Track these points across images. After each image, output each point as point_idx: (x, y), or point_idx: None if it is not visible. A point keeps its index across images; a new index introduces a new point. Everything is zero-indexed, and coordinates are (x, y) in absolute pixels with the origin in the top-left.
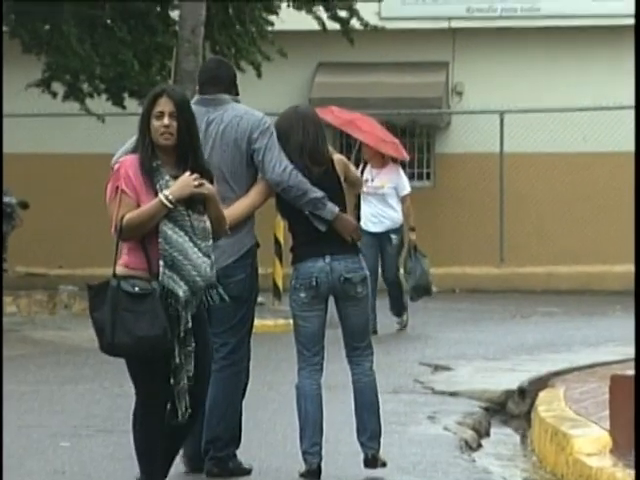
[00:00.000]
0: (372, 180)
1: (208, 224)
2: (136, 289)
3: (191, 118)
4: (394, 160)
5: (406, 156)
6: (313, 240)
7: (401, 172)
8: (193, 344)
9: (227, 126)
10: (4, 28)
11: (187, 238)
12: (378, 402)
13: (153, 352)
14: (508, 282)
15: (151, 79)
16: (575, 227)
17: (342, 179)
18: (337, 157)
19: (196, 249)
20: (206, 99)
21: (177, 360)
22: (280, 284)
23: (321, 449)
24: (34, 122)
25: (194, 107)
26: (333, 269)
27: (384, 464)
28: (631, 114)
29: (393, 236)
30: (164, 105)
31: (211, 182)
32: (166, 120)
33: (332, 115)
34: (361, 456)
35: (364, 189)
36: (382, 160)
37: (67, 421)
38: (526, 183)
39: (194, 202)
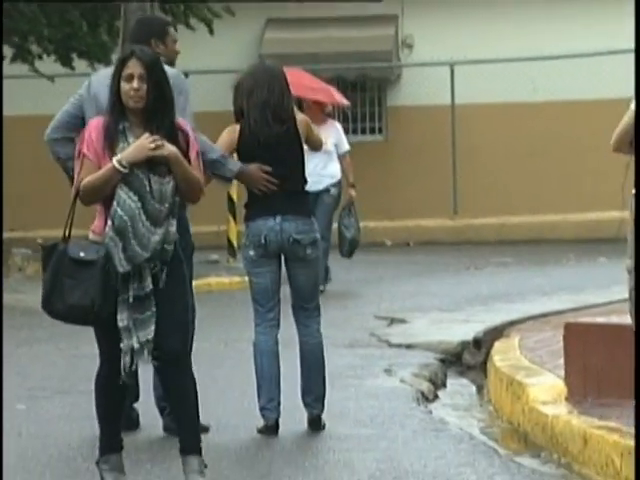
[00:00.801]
0: None
1: (170, 187)
2: (81, 254)
3: (162, 79)
4: (331, 116)
5: (343, 101)
6: (266, 199)
7: (340, 128)
8: (152, 309)
9: None
10: None
11: (140, 204)
12: (324, 364)
13: (84, 321)
14: (462, 234)
15: (99, 39)
16: (528, 177)
17: (303, 140)
18: (300, 117)
19: (144, 217)
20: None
21: (121, 324)
22: (234, 241)
23: (279, 405)
24: None
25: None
26: (283, 229)
27: (324, 426)
28: (581, 62)
29: (332, 189)
30: (133, 67)
31: (186, 143)
32: (135, 83)
33: None
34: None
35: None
36: (321, 116)
37: (23, 383)
38: (478, 134)
39: (155, 164)
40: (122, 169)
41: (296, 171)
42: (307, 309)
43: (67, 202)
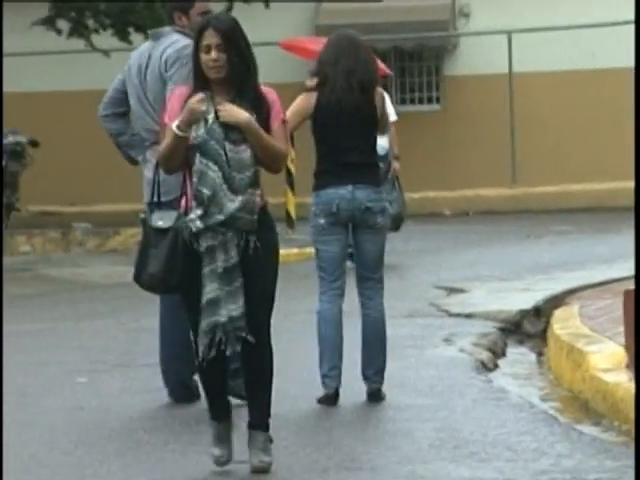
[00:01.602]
0: None
1: (246, 154)
2: (159, 223)
3: (242, 47)
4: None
5: (388, 71)
6: (338, 168)
7: (387, 98)
8: (240, 281)
9: (155, 59)
10: None
11: (220, 173)
12: (385, 337)
13: (158, 289)
14: (521, 202)
15: (155, 13)
16: (587, 145)
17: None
18: (379, 90)
19: (225, 186)
20: (151, 34)
21: (207, 297)
22: (293, 213)
23: (340, 374)
24: (41, 60)
25: (146, 42)
26: (355, 197)
27: (384, 398)
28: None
29: (380, 164)
30: (210, 38)
31: (267, 112)
32: (213, 54)
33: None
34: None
35: None
36: None
37: (84, 357)
38: (536, 103)
39: (230, 132)
40: (179, 132)
41: (370, 141)
42: (372, 279)
43: (126, 177)
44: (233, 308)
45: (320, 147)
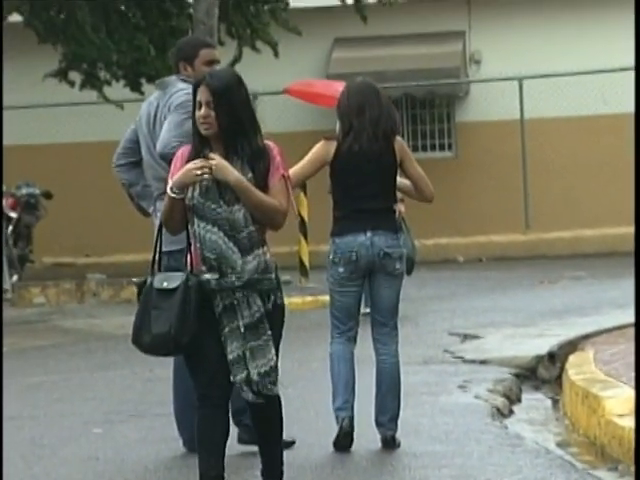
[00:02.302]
0: None
1: (239, 214)
2: (164, 284)
3: (233, 104)
4: None
5: None
6: (355, 214)
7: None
8: (268, 333)
9: (163, 108)
10: (19, 18)
11: (222, 234)
12: (400, 384)
13: (167, 350)
14: (534, 248)
15: (167, 64)
16: (599, 190)
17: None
18: (399, 138)
19: (231, 244)
20: (159, 83)
21: (231, 357)
22: (306, 261)
23: (352, 407)
24: (53, 112)
25: (156, 92)
26: (373, 244)
27: (399, 445)
28: None
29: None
30: (201, 94)
31: (264, 167)
32: (203, 110)
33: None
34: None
35: None
36: None
37: (99, 408)
38: (548, 148)
39: (222, 191)
40: (173, 194)
41: (389, 187)
42: (388, 325)
43: (139, 228)
44: (262, 363)
45: (338, 194)
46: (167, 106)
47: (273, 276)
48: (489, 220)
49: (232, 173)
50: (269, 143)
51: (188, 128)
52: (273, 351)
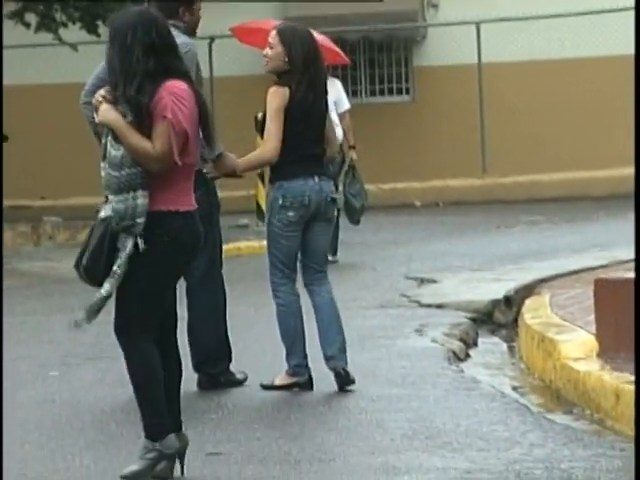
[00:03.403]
0: None
1: (119, 154)
2: (101, 213)
3: (116, 48)
4: (333, 74)
5: (347, 60)
6: (303, 160)
7: (340, 86)
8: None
9: None
10: None
11: (109, 170)
12: (340, 318)
13: (90, 283)
14: (491, 193)
15: (124, 5)
16: (556, 135)
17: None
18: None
19: (113, 181)
20: None
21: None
22: (263, 205)
23: (308, 361)
24: (9, 54)
25: None
26: (322, 189)
27: (354, 381)
28: (608, 18)
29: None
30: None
31: (135, 112)
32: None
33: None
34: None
35: None
36: None
37: (55, 350)
38: (506, 93)
39: (114, 131)
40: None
41: (323, 135)
42: (321, 272)
43: (95, 171)
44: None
45: (287, 139)
46: None
47: (140, 221)
48: (446, 165)
49: (109, 114)
50: (168, 84)
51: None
52: (106, 285)
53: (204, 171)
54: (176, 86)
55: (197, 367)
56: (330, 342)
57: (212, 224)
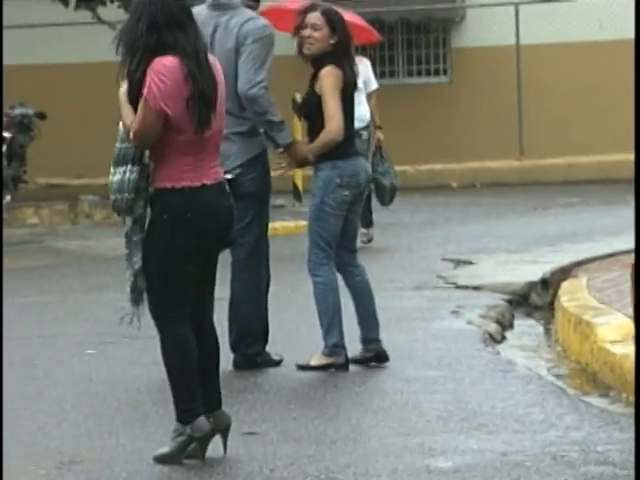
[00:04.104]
0: None
1: (121, 127)
2: None
3: (128, 22)
4: (364, 53)
5: (378, 37)
6: (350, 139)
7: (369, 65)
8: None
9: (230, 32)
10: None
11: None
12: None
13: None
14: (528, 174)
15: None
16: (594, 116)
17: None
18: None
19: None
20: (215, 3)
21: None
22: (300, 185)
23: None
24: (48, 32)
25: (205, 10)
26: (367, 169)
27: (388, 359)
28: None
29: (363, 132)
30: None
31: (129, 88)
32: None
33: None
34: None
35: None
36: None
37: (92, 329)
38: (544, 74)
39: None
40: None
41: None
42: (355, 251)
43: None
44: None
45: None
46: (241, 31)
47: (129, 196)
48: (483, 146)
49: (121, 89)
50: (156, 60)
51: (269, 66)
52: (128, 272)
53: (279, 162)
54: (160, 62)
55: (234, 346)
56: (373, 326)
57: (263, 204)
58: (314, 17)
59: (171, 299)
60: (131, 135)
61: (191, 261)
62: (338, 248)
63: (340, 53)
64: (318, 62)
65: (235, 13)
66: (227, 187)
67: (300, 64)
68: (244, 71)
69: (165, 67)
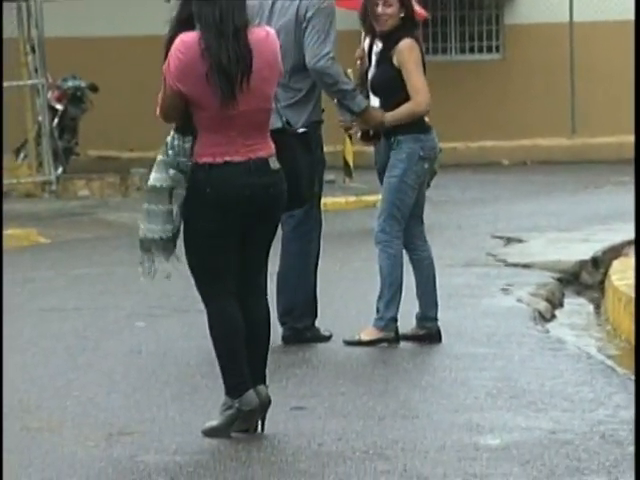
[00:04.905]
0: None
1: None
2: None
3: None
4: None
5: (424, 14)
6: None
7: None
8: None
9: (290, 4)
10: None
11: None
12: None
13: None
14: (580, 153)
15: None
16: None
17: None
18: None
19: None
20: None
21: None
22: (350, 161)
23: None
24: (100, 4)
25: None
26: (438, 142)
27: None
28: None
29: None
30: None
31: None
32: None
33: None
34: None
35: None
36: None
37: (142, 302)
38: (597, 53)
39: None
40: None
41: None
42: (423, 221)
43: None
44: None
45: None
46: (304, 7)
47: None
48: (535, 124)
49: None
50: (183, 35)
51: (334, 36)
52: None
53: (340, 120)
54: (181, 38)
55: (281, 319)
56: (434, 304)
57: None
58: None
59: (206, 274)
60: (158, 111)
61: (216, 237)
62: (409, 220)
63: (410, 26)
64: (392, 37)
65: None
66: (271, 165)
67: (353, 39)
68: (310, 45)
69: (183, 43)
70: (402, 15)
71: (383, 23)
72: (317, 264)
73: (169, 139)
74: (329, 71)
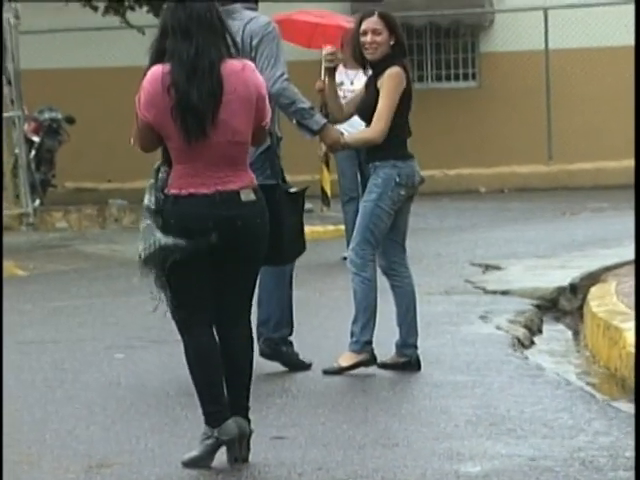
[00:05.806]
0: (351, 83)
1: None
2: None
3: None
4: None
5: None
6: (404, 142)
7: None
8: None
9: (237, 30)
10: None
11: None
12: None
13: None
14: (557, 180)
15: None
16: (623, 122)
17: None
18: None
19: None
20: (222, 10)
21: None
22: (328, 190)
23: None
24: (77, 37)
25: None
26: (419, 171)
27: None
28: None
29: None
30: None
31: None
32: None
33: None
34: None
35: (340, 93)
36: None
37: (121, 333)
38: (572, 79)
39: None
40: None
41: None
42: (405, 249)
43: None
44: None
45: (401, 120)
46: (245, 32)
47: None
48: (512, 151)
49: None
50: (155, 67)
51: (283, 58)
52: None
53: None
54: (150, 70)
55: (258, 330)
56: (414, 332)
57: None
58: (373, 22)
59: (181, 305)
60: (131, 140)
61: (183, 268)
62: (389, 246)
63: (399, 53)
64: (381, 65)
65: (236, 17)
66: (243, 197)
67: (303, 71)
68: (262, 72)
69: (151, 74)
70: (392, 43)
71: (373, 51)
72: (292, 276)
73: (157, 163)
74: (285, 92)
